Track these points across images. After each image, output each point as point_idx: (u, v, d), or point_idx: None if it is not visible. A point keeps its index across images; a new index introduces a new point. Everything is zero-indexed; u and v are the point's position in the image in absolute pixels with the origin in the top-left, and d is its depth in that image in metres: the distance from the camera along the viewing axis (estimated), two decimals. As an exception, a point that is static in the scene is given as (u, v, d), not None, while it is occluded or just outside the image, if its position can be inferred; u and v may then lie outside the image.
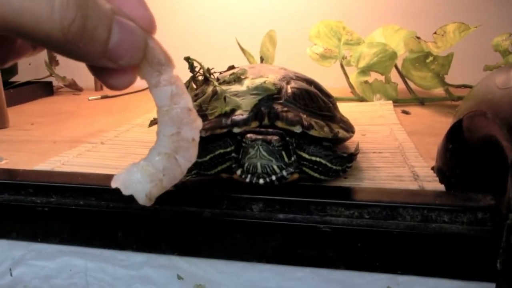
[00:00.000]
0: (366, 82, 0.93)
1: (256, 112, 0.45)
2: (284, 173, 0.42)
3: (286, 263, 0.43)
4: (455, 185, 0.44)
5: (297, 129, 0.44)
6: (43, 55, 1.21)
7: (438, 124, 0.75)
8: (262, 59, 0.92)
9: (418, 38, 0.86)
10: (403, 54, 0.93)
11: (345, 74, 0.98)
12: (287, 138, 0.43)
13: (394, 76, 0.95)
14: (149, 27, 0.25)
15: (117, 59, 0.23)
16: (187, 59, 0.53)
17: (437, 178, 0.45)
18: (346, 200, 0.39)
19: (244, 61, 0.96)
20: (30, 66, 1.32)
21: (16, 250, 0.50)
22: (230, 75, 0.51)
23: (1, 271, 0.51)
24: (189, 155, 0.28)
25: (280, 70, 0.55)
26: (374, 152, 0.55)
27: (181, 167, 0.28)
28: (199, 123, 0.28)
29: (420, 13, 1.14)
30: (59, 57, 1.22)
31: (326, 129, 0.46)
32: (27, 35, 0.20)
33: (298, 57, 1.00)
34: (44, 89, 1.17)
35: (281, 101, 0.47)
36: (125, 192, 0.28)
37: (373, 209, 0.39)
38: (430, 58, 0.86)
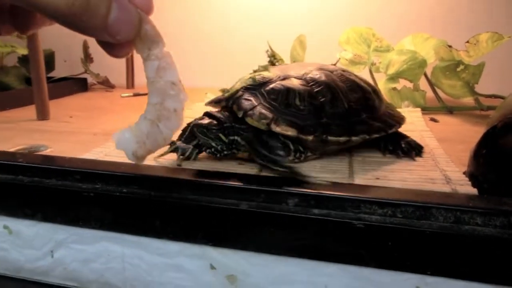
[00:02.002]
0: (394, 89, 0.94)
1: (228, 97, 0.54)
2: (220, 148, 0.52)
3: (317, 258, 0.44)
4: (488, 190, 0.44)
5: (239, 114, 0.51)
6: (79, 53, 1.25)
7: (468, 132, 0.75)
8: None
9: (450, 46, 0.86)
10: (433, 62, 0.94)
11: (374, 80, 0.99)
12: (225, 124, 0.51)
13: (423, 84, 0.96)
14: (146, 8, 0.28)
15: (115, 34, 0.27)
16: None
17: (469, 182, 0.46)
18: (380, 199, 0.40)
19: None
20: (66, 63, 1.37)
21: (58, 234, 0.52)
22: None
23: (43, 253, 0.54)
24: (170, 124, 0.32)
25: (322, 70, 0.57)
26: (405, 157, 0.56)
27: (163, 134, 0.32)
28: (182, 96, 0.32)
29: (449, 22, 1.14)
30: (94, 55, 1.26)
31: (264, 121, 0.50)
32: (39, 9, 0.24)
33: (328, 62, 1.01)
34: (79, 85, 1.21)
35: (252, 91, 0.53)
36: (117, 147, 0.32)
37: (406, 208, 0.40)
38: (461, 67, 0.86)
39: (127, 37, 0.27)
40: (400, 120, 0.59)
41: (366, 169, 0.51)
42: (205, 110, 0.55)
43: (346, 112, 0.54)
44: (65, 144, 0.63)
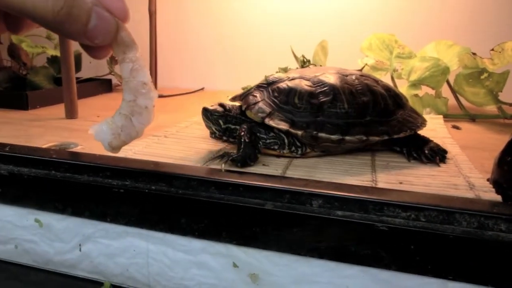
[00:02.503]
0: (416, 95, 0.94)
1: (242, 93, 0.61)
2: (218, 133, 0.60)
3: (339, 259, 0.45)
4: (512, 197, 0.44)
5: (243, 107, 0.58)
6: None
7: (491, 140, 0.75)
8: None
9: (474, 54, 0.86)
10: (456, 70, 0.93)
11: (395, 86, 0.99)
12: (229, 113, 0.59)
13: (445, 91, 0.96)
14: (122, 17, 0.32)
15: (94, 38, 0.30)
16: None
17: (493, 189, 0.46)
18: (404, 202, 0.41)
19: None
20: (91, 64, 1.40)
21: (87, 228, 0.54)
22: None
23: (71, 246, 0.56)
24: (142, 119, 0.35)
25: (336, 74, 0.61)
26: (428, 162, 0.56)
27: (135, 128, 0.36)
28: (152, 94, 0.36)
29: (472, 29, 1.14)
30: (119, 57, 1.29)
31: (260, 115, 0.56)
32: (28, 15, 0.28)
33: (349, 67, 1.02)
34: (104, 85, 1.25)
35: (261, 89, 0.59)
36: (95, 138, 0.36)
37: (430, 212, 0.41)
38: (485, 75, 0.86)
39: (105, 42, 0.31)
40: (414, 126, 0.60)
41: (389, 173, 0.52)
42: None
43: (345, 113, 0.56)
44: (94, 142, 0.64)
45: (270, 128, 0.57)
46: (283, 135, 0.57)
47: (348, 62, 1.07)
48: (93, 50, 0.33)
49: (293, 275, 0.47)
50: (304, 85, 0.58)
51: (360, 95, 0.58)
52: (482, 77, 0.86)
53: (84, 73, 1.26)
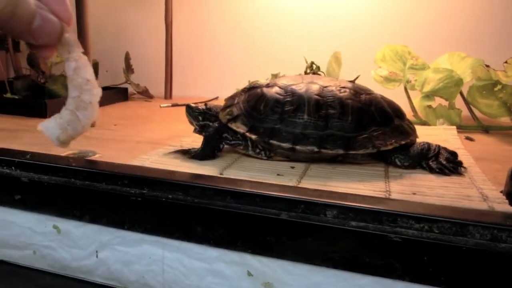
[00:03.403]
0: (429, 106, 0.94)
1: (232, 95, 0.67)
2: (197, 128, 0.67)
3: (352, 270, 0.45)
4: (526, 209, 0.45)
5: (220, 109, 0.65)
6: (120, 64, 1.31)
7: (504, 152, 0.75)
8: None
9: (487, 66, 0.86)
10: (469, 81, 0.94)
11: (409, 97, 0.99)
12: (210, 112, 0.65)
13: (459, 102, 0.96)
14: (66, 20, 0.35)
15: (38, 38, 0.33)
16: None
17: (506, 201, 0.46)
18: (418, 213, 0.41)
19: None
20: (107, 73, 1.43)
21: (104, 235, 0.55)
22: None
23: (88, 252, 0.57)
24: (87, 114, 0.38)
25: (314, 84, 0.63)
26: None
27: (81, 122, 0.38)
28: (96, 91, 0.38)
29: (485, 41, 1.14)
30: (134, 67, 1.31)
31: (227, 117, 0.62)
32: None
33: (362, 78, 1.02)
34: (120, 94, 1.27)
35: (241, 93, 0.65)
36: (44, 133, 0.38)
37: (443, 224, 0.41)
38: (499, 87, 0.86)
39: (49, 41, 0.33)
40: (380, 145, 0.59)
41: (403, 184, 0.52)
42: None
43: (303, 123, 0.58)
44: (111, 150, 0.66)
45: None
46: (246, 138, 0.62)
47: (361, 73, 1.08)
48: (39, 49, 0.35)
49: (307, 284, 0.48)
50: (274, 92, 0.61)
51: (327, 107, 0.59)
52: (496, 89, 0.87)
53: (100, 82, 1.28)
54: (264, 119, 0.60)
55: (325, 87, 0.62)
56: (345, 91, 0.61)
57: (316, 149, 0.57)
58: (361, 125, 0.59)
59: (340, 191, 0.48)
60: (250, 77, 1.35)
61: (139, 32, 1.46)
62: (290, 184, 0.51)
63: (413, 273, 0.43)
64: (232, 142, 0.63)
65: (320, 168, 0.59)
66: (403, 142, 0.60)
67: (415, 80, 0.99)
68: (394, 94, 1.02)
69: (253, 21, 1.33)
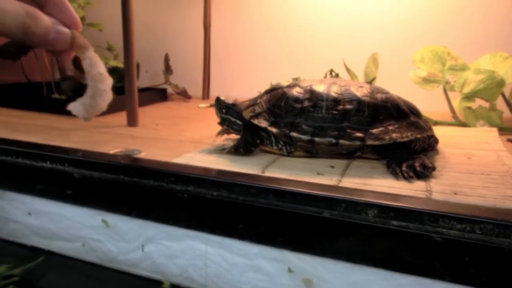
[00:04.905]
0: (469, 107, 0.93)
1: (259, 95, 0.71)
2: (220, 120, 0.72)
3: (392, 269, 0.46)
4: None
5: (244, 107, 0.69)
6: (160, 65, 1.35)
7: (548, 154, 0.73)
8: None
9: (531, 66, 0.84)
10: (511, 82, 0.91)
11: (448, 99, 0.98)
12: (235, 107, 0.70)
13: (500, 103, 0.94)
14: (75, 27, 0.42)
15: (54, 46, 0.40)
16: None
17: (551, 203, 0.46)
18: (459, 214, 0.42)
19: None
20: (147, 74, 1.47)
21: (149, 230, 0.58)
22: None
23: (134, 246, 0.59)
24: (102, 99, 0.47)
25: (333, 84, 0.66)
26: (482, 174, 0.56)
27: (99, 104, 0.47)
28: (108, 81, 0.47)
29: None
30: (173, 68, 1.35)
31: (250, 114, 0.66)
32: (4, 34, 0.37)
33: (400, 79, 1.02)
34: (160, 95, 1.30)
35: (265, 94, 0.69)
36: (73, 112, 0.47)
37: (485, 225, 0.41)
38: (543, 88, 0.84)
39: (63, 48, 0.41)
40: (396, 137, 0.59)
41: (444, 184, 0.52)
42: None
43: (321, 117, 0.62)
44: (155, 149, 0.69)
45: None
46: (270, 134, 0.66)
47: (399, 74, 1.07)
48: (57, 54, 0.44)
49: (347, 282, 0.49)
50: (295, 91, 0.65)
51: (345, 103, 0.62)
52: (540, 90, 0.84)
53: (140, 83, 1.33)
54: (284, 114, 0.64)
55: (343, 86, 0.65)
56: (362, 90, 0.64)
57: (333, 141, 0.60)
58: (378, 119, 0.61)
59: (380, 190, 0.49)
60: (284, 77, 1.36)
61: (178, 34, 1.50)
62: (331, 183, 0.51)
63: (454, 273, 0.43)
64: (264, 136, 0.67)
65: (359, 167, 0.60)
66: (419, 136, 0.61)
67: (455, 81, 0.97)
68: (432, 96, 1.01)
69: (292, 21, 1.34)
